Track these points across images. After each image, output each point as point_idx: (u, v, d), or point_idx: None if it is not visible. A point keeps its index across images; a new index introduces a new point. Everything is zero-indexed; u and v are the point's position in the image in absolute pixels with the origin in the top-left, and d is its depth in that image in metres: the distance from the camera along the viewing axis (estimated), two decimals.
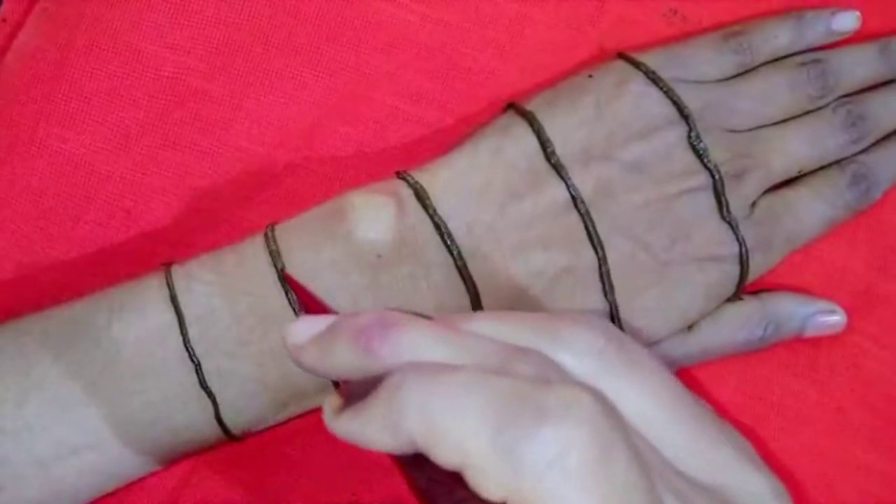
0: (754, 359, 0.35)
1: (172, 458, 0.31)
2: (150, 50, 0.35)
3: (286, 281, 0.29)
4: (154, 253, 0.34)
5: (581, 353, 0.21)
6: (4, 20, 0.35)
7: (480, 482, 0.19)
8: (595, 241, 0.31)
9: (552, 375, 0.21)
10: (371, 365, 0.22)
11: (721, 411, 0.34)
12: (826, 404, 0.35)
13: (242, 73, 0.35)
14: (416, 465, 0.23)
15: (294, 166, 0.35)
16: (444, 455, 0.20)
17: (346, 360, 0.22)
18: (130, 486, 0.31)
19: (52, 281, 0.34)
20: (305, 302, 0.29)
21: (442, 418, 0.19)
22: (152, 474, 0.32)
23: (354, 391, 0.23)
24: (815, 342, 0.35)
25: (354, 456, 0.33)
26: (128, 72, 0.34)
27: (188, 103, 0.35)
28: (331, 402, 0.23)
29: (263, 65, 0.35)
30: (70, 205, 0.34)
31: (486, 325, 0.23)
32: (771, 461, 0.34)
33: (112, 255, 0.34)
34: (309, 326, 0.24)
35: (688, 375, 0.34)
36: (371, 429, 0.21)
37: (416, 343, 0.22)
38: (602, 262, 0.31)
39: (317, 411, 0.31)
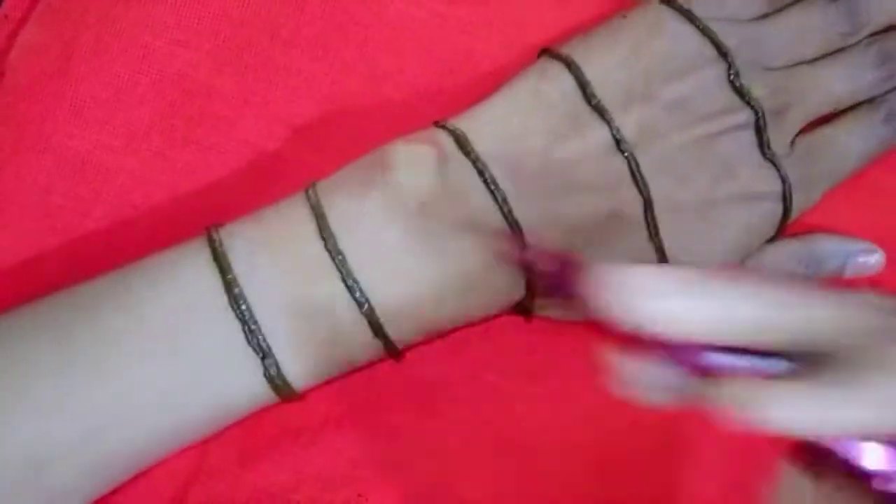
0: None
1: (217, 425, 0.30)
2: (156, 46, 0.34)
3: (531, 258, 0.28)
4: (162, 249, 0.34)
5: None
6: (6, 16, 0.35)
7: None
8: (640, 182, 0.31)
9: None
10: None
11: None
12: None
13: (249, 68, 0.35)
14: None
15: (301, 162, 0.35)
16: None
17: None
18: (135, 485, 0.31)
19: (60, 277, 0.33)
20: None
21: None
22: (155, 472, 0.32)
23: None
24: None
25: (360, 455, 0.33)
26: (134, 68, 0.34)
27: (195, 99, 0.35)
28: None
29: (270, 60, 0.35)
30: (77, 202, 0.34)
31: None
32: (771, 461, 0.34)
33: (119, 251, 0.34)
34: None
35: None
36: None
37: None
38: (647, 203, 0.31)
39: (320, 411, 0.31)
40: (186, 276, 0.29)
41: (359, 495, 0.32)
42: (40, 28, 0.35)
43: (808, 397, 0.19)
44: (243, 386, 0.29)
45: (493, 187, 0.30)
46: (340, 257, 0.29)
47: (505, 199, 0.30)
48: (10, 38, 0.35)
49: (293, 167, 0.35)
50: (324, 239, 0.29)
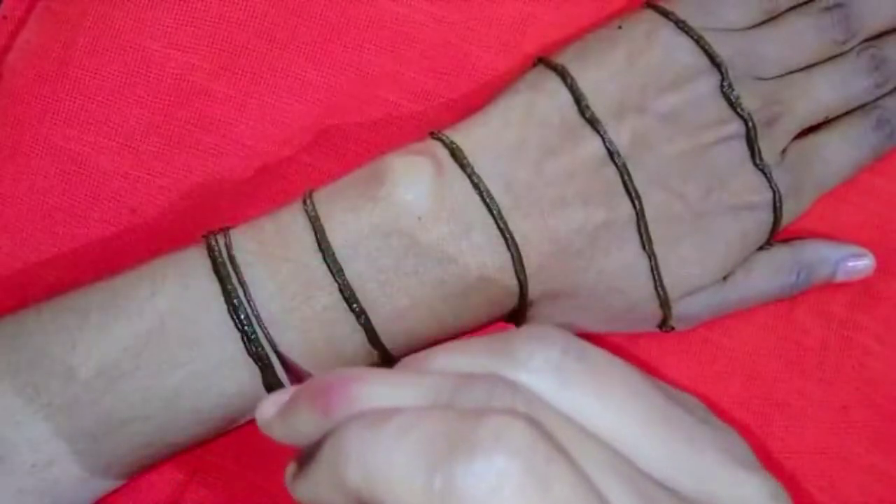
0: (760, 358, 0.35)
1: (223, 427, 0.31)
2: (153, 48, 0.34)
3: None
4: (159, 251, 0.34)
5: (537, 370, 0.20)
6: (5, 17, 0.35)
7: None
8: (632, 194, 0.31)
9: (505, 400, 0.20)
10: (331, 424, 0.21)
11: (726, 410, 0.35)
12: (831, 403, 0.35)
13: (247, 71, 0.35)
14: None
15: (299, 164, 0.35)
16: None
17: (308, 425, 0.21)
18: (132, 486, 0.31)
19: (58, 280, 0.34)
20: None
21: (378, 467, 0.19)
22: (154, 474, 0.32)
23: (308, 453, 0.22)
24: (824, 342, 0.35)
25: None
26: (132, 70, 0.34)
27: (192, 102, 0.35)
28: (289, 468, 0.22)
29: (268, 63, 0.35)
30: (75, 203, 0.34)
31: (443, 358, 0.22)
32: (774, 460, 0.34)
33: (117, 253, 0.34)
34: (275, 400, 0.23)
35: (692, 375, 0.35)
36: (322, 489, 0.20)
37: (370, 394, 0.21)
38: (640, 214, 0.31)
39: None
40: (188, 288, 0.29)
41: None
42: (39, 29, 0.35)
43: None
44: (244, 392, 0.30)
45: (488, 201, 0.30)
46: (338, 270, 0.29)
47: (500, 213, 0.30)
48: (10, 38, 0.35)
49: (290, 169, 0.35)
50: (322, 252, 0.29)
